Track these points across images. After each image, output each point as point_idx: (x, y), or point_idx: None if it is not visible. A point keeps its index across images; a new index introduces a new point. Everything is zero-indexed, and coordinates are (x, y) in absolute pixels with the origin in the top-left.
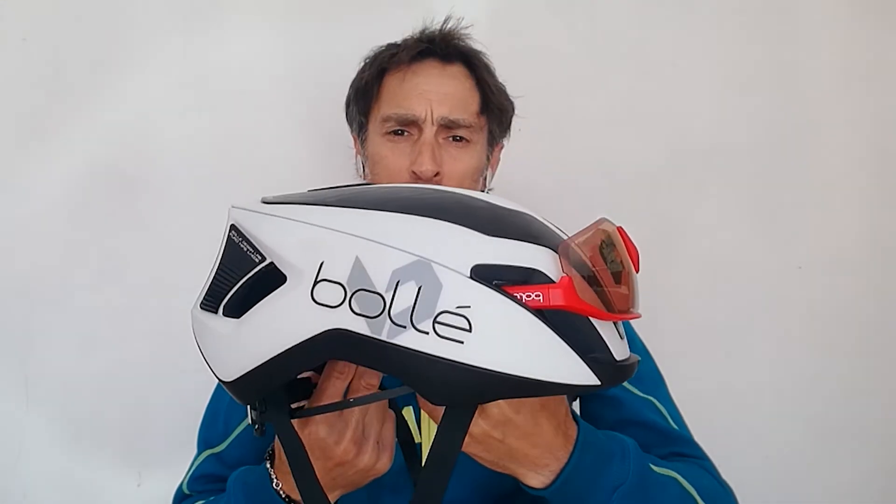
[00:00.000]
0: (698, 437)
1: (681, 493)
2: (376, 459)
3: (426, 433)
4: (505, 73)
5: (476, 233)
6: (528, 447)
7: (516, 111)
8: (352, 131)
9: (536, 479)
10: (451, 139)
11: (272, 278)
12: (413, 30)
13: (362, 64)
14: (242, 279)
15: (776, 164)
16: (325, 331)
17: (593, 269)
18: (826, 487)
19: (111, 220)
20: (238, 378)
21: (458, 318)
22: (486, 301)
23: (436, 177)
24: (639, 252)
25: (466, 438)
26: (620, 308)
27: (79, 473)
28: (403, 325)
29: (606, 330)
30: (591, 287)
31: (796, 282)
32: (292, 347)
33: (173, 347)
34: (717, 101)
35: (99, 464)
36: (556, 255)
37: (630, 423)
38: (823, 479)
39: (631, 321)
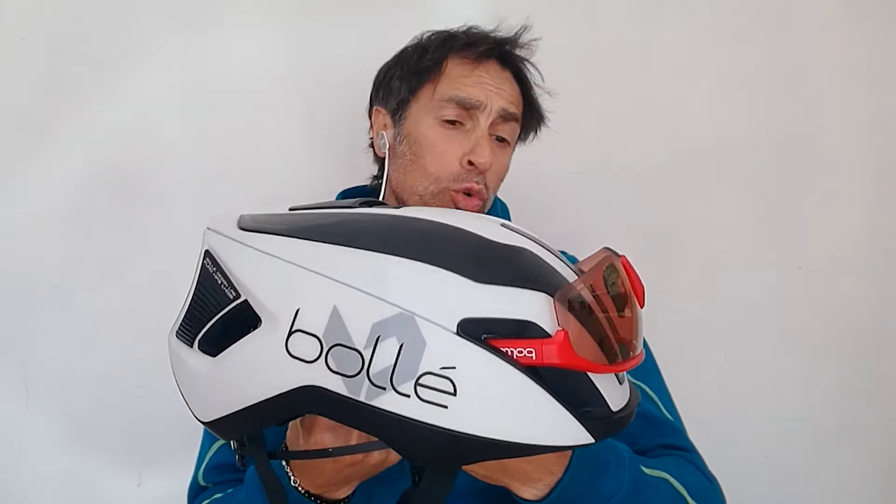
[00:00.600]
0: (698, 436)
1: (672, 494)
2: (387, 454)
3: None
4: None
5: (465, 280)
6: (522, 462)
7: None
8: (380, 105)
9: (530, 492)
10: (495, 138)
11: (246, 317)
12: (465, 22)
13: (415, 43)
14: (217, 315)
15: (776, 164)
16: (300, 387)
17: (595, 314)
18: (826, 487)
19: (111, 221)
20: (214, 420)
21: (443, 380)
22: (473, 361)
23: (488, 170)
24: (644, 286)
25: None
26: (623, 354)
27: (79, 473)
28: (383, 386)
29: (605, 380)
30: (592, 335)
31: (796, 282)
32: (266, 400)
33: None
34: (717, 102)
35: (99, 464)
36: (553, 302)
37: None
38: (823, 479)
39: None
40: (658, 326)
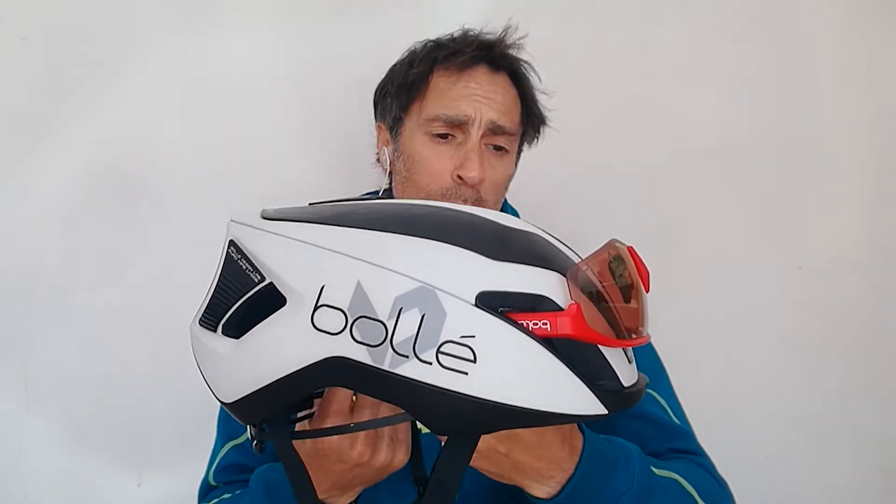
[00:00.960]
0: (699, 435)
1: (681, 495)
2: (392, 456)
3: None
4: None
5: (482, 257)
6: (534, 460)
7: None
8: (380, 121)
9: (542, 489)
10: (491, 147)
11: (272, 299)
12: (459, 26)
13: (405, 56)
14: (241, 299)
15: (776, 164)
16: (326, 358)
17: (603, 293)
18: (825, 487)
19: (111, 221)
20: (237, 400)
21: (463, 348)
22: (492, 330)
23: (480, 183)
24: (649, 272)
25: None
26: (630, 333)
27: (79, 473)
28: (406, 354)
29: (615, 356)
30: (601, 312)
31: (796, 282)
32: (292, 373)
33: (173, 347)
34: (717, 102)
35: (99, 464)
36: (565, 280)
37: (630, 415)
38: (823, 479)
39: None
40: (658, 326)
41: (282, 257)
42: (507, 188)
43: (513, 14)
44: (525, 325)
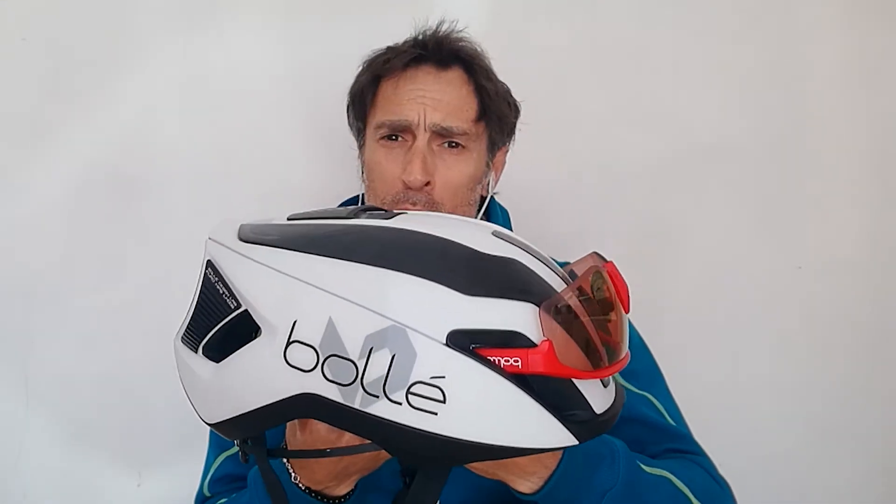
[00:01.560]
0: (698, 436)
1: (673, 493)
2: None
3: None
4: (505, 72)
5: (454, 292)
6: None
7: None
8: (353, 135)
9: (525, 485)
10: (445, 146)
11: (248, 326)
12: (412, 30)
13: (360, 68)
14: (219, 324)
15: (776, 163)
16: (298, 394)
17: (580, 323)
18: (825, 487)
19: (111, 221)
20: (218, 423)
21: (433, 388)
22: (462, 370)
23: (427, 185)
24: (629, 290)
25: None
26: (609, 357)
27: (79, 473)
28: (376, 394)
29: (589, 385)
30: (577, 342)
31: (796, 282)
32: (266, 406)
33: (173, 348)
34: (717, 101)
35: (99, 464)
36: (538, 312)
37: (625, 419)
38: (823, 479)
39: (628, 315)
40: (658, 326)
41: (256, 286)
42: (475, 189)
43: (512, 13)
44: (496, 361)
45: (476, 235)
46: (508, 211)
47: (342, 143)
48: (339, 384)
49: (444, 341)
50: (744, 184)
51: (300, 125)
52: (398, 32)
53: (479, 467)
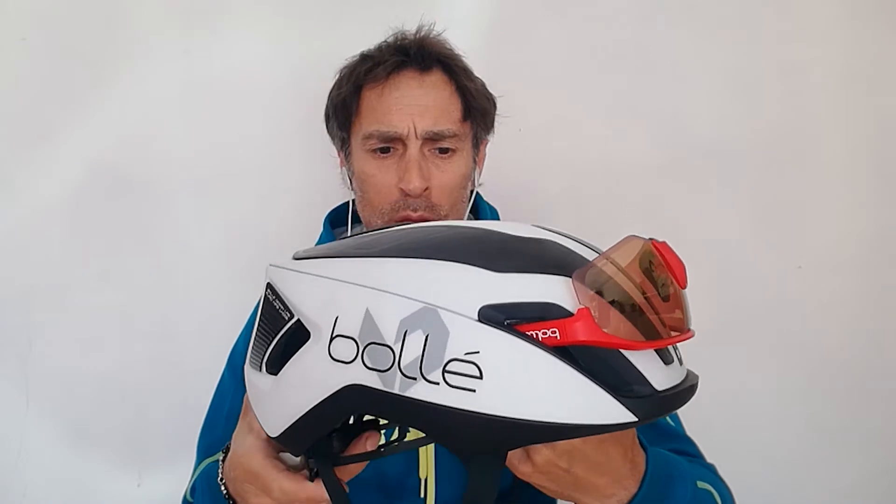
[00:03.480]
0: (698, 437)
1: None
2: (320, 494)
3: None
4: (505, 72)
5: (484, 270)
6: (595, 476)
7: (515, 110)
8: (334, 145)
9: None
10: (436, 151)
11: (300, 335)
12: (391, 30)
13: (338, 77)
14: (276, 337)
15: (776, 163)
16: (344, 387)
17: (621, 290)
18: (826, 487)
19: (111, 221)
20: (280, 434)
21: (468, 365)
22: (496, 344)
23: (425, 191)
24: (684, 265)
25: (529, 468)
26: (664, 331)
27: (79, 473)
28: (414, 376)
29: (644, 359)
30: (621, 312)
31: (796, 281)
32: (318, 405)
33: (173, 347)
34: (716, 101)
35: (99, 464)
36: (572, 282)
37: None
38: (823, 479)
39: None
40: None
41: (304, 294)
42: (467, 186)
43: (512, 13)
44: (533, 335)
45: (513, 225)
46: (499, 211)
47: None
48: (378, 370)
49: (476, 317)
50: (744, 184)
51: (300, 126)
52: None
53: (553, 489)
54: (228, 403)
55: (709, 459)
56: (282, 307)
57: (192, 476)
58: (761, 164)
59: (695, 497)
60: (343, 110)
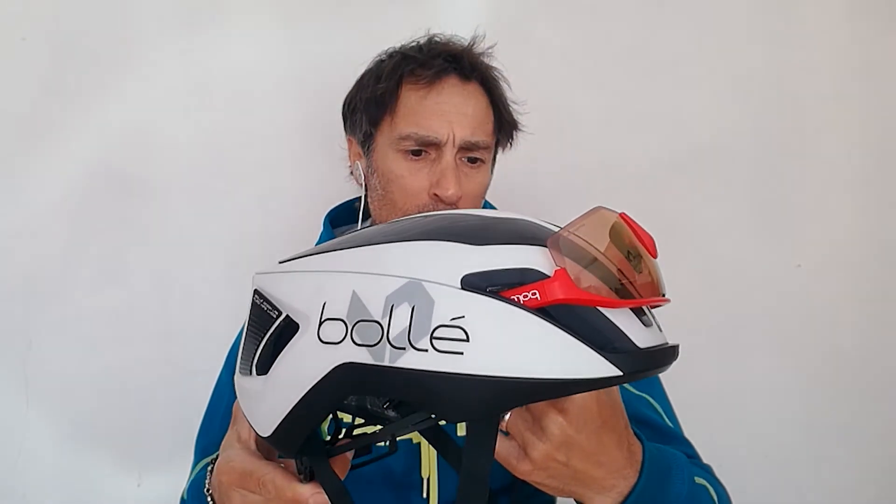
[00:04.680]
0: (698, 436)
1: (710, 500)
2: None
3: (427, 465)
4: (505, 72)
5: (464, 245)
6: (594, 468)
7: (515, 110)
8: (350, 135)
9: (603, 501)
10: (466, 160)
11: (290, 330)
12: (426, 31)
13: (372, 67)
14: (265, 337)
15: (776, 163)
16: (334, 367)
17: (593, 254)
18: (825, 487)
19: (111, 221)
20: (273, 432)
21: (454, 329)
22: (480, 308)
23: (457, 200)
24: (652, 237)
25: (528, 466)
26: (638, 293)
27: (79, 473)
28: (402, 346)
29: (622, 317)
30: (595, 275)
31: (796, 281)
32: (309, 391)
33: (173, 347)
34: (716, 101)
35: (99, 464)
36: (547, 250)
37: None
38: (822, 479)
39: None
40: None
41: (291, 289)
42: (484, 197)
43: (512, 14)
44: (515, 298)
45: (485, 211)
46: (498, 209)
47: (342, 144)
48: (368, 345)
49: (459, 286)
50: (743, 183)
51: (301, 126)
52: (400, 33)
53: (553, 485)
54: (225, 404)
55: (708, 459)
56: (269, 307)
57: (189, 477)
58: (761, 164)
59: (692, 491)
60: (377, 105)
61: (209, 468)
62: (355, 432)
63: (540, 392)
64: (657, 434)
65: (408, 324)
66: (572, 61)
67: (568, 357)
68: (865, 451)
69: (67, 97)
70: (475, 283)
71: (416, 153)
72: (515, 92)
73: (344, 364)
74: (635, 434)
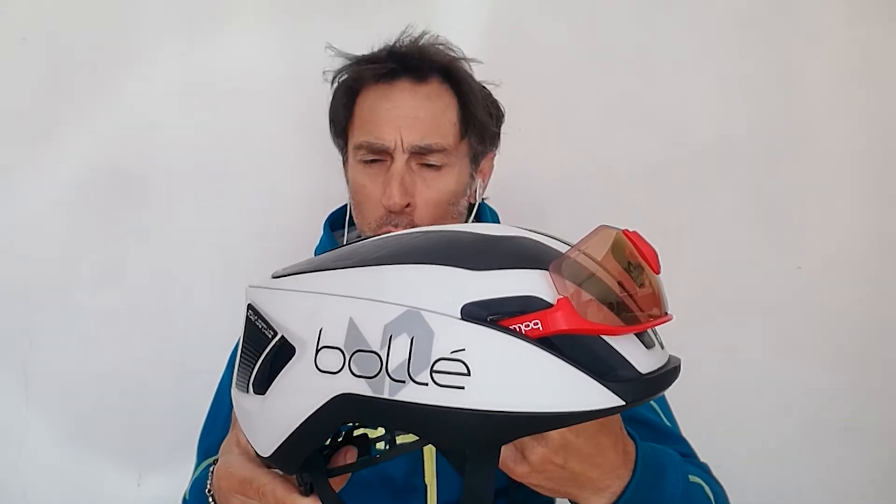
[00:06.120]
0: (698, 436)
1: (705, 498)
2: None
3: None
4: (505, 73)
5: (463, 270)
6: (591, 469)
7: (515, 110)
8: (337, 148)
9: (598, 501)
10: (424, 165)
11: (285, 351)
12: (426, 31)
13: (333, 84)
14: (261, 356)
15: (776, 163)
16: (332, 398)
17: (596, 278)
18: (825, 487)
19: (111, 220)
20: (272, 453)
21: (455, 363)
22: (481, 340)
23: (407, 207)
24: (656, 252)
25: (525, 469)
26: (643, 316)
27: (79, 473)
28: (402, 380)
29: (625, 342)
30: (598, 299)
31: (796, 282)
32: (307, 419)
33: (173, 347)
34: (716, 101)
35: (99, 464)
36: (549, 274)
37: (626, 420)
38: (822, 479)
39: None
40: (657, 327)
41: (286, 309)
42: (458, 202)
43: (512, 14)
44: (517, 328)
45: (481, 226)
46: (498, 213)
47: None
48: (367, 377)
49: (459, 316)
50: (744, 184)
51: (301, 126)
52: (400, 33)
53: (549, 487)
54: (227, 406)
55: (708, 459)
56: (264, 326)
57: (192, 477)
58: (761, 165)
59: (686, 490)
60: (338, 119)
61: (210, 469)
62: (355, 433)
63: (542, 424)
64: (655, 433)
65: (407, 356)
66: (572, 62)
67: (570, 389)
68: (865, 451)
69: (67, 97)
70: (475, 313)
71: (371, 162)
72: (515, 92)
73: (342, 395)
74: (629, 434)
